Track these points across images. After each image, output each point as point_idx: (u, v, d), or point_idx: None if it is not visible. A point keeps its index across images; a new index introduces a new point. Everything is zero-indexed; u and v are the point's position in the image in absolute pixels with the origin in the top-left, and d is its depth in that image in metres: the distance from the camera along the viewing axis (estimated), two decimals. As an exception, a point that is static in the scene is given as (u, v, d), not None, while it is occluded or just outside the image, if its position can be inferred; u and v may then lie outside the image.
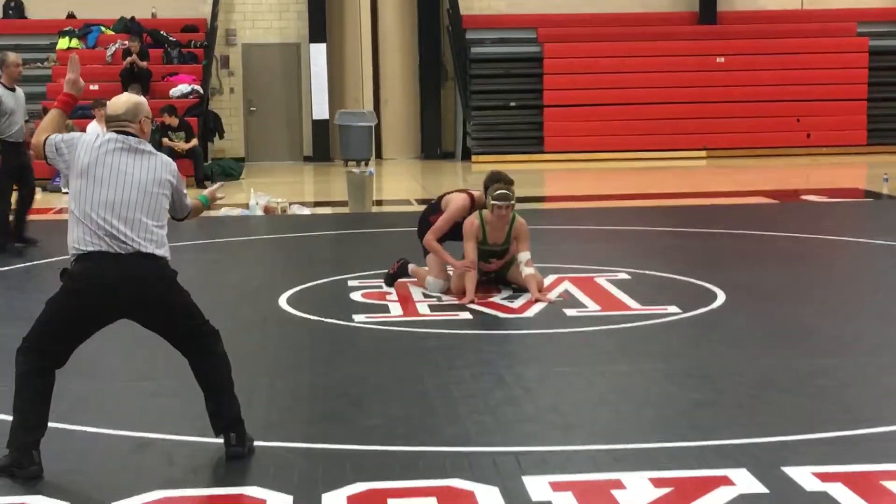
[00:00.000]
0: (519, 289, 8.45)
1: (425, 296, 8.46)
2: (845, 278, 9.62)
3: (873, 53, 22.02)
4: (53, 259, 10.04)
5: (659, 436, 5.12)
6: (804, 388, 5.96)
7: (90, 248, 4.75)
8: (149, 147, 4.96)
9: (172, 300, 4.89)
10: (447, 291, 8.45)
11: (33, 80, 20.22)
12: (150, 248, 4.78)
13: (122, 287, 4.74)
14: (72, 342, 4.84)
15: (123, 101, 5.01)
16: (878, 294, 8.65)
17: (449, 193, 8.79)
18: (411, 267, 8.76)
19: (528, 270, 8.32)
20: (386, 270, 8.94)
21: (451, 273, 8.48)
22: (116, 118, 4.93)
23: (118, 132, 4.90)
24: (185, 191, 5.11)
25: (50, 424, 4.82)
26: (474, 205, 8.50)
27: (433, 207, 8.80)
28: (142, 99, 5.08)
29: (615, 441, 5.06)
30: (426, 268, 8.66)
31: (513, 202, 8.21)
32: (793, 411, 5.52)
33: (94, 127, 17.98)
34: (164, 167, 4.94)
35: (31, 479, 4.63)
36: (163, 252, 4.85)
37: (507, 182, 8.29)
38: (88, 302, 4.76)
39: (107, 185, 4.80)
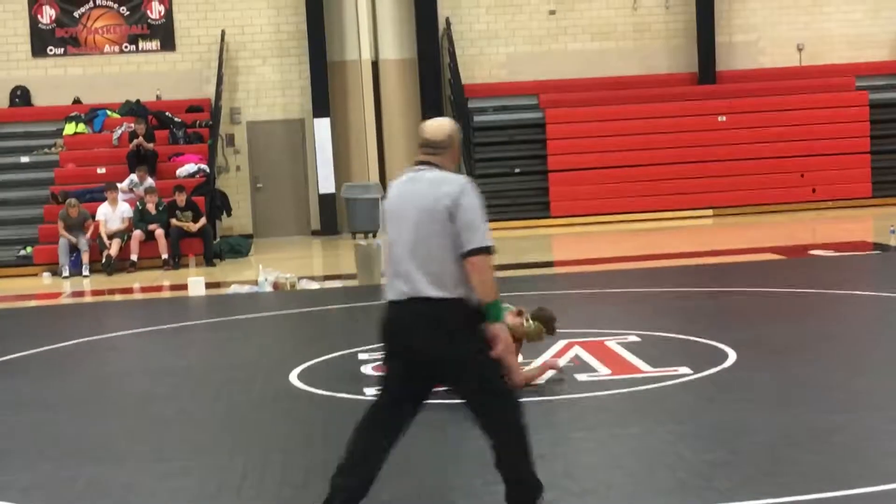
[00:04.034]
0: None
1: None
2: (856, 332, 9.58)
3: (873, 106, 22.12)
4: (61, 344, 10.02)
5: (675, 498, 5.08)
6: (820, 445, 5.91)
7: (389, 298, 4.46)
8: (444, 175, 4.47)
9: (453, 352, 4.39)
10: None
11: (41, 166, 20.45)
12: (428, 292, 4.33)
13: (405, 339, 4.38)
14: (407, 404, 4.54)
15: (438, 125, 4.60)
16: (891, 347, 8.60)
17: None
18: None
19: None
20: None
21: None
22: (430, 144, 4.52)
23: (419, 163, 4.53)
24: (474, 221, 4.45)
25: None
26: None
27: None
28: (458, 127, 4.65)
29: (631, 506, 5.02)
30: None
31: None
32: (810, 469, 5.47)
33: (105, 209, 18.15)
34: (443, 194, 4.40)
35: None
36: (445, 294, 4.35)
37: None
38: (391, 351, 4.47)
39: (393, 227, 4.44)
